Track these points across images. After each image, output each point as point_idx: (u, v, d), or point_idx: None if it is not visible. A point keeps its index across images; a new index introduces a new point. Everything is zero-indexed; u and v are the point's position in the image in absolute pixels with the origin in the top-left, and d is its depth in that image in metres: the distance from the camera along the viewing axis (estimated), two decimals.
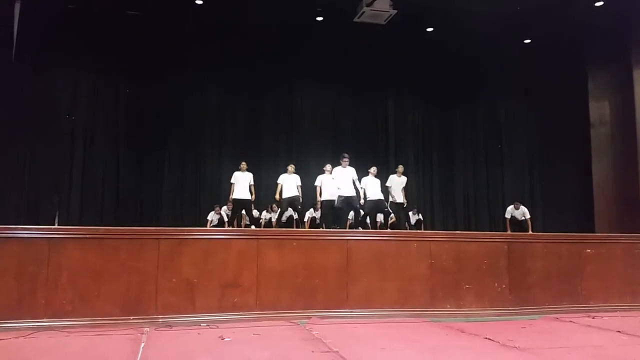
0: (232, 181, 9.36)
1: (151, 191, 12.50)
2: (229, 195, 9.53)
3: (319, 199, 9.28)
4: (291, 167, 9.49)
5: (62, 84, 12.07)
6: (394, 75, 14.14)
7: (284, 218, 11.05)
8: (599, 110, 12.61)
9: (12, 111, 11.12)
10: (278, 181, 9.40)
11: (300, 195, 9.37)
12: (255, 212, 10.59)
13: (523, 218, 10.91)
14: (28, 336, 4.69)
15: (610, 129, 12.39)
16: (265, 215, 11.73)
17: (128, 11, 11.75)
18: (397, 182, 9.76)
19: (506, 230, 10.78)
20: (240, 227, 10.35)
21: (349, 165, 8.77)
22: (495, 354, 4.30)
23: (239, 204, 9.47)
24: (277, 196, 9.42)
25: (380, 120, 14.37)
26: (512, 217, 11.02)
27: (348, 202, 8.62)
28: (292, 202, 9.39)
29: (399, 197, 9.74)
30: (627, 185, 11.63)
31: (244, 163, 9.49)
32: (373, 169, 9.23)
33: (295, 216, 10.17)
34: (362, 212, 9.07)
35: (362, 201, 8.91)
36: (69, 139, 11.95)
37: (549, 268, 6.91)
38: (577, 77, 13.08)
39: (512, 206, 11.12)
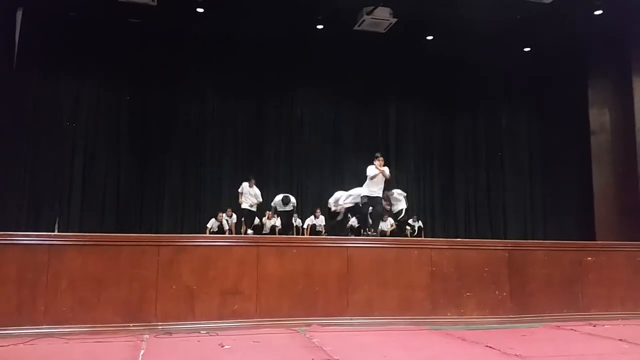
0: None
1: (152, 198, 12.50)
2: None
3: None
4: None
5: (64, 91, 12.10)
6: (395, 83, 14.17)
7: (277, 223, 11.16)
8: (599, 117, 12.62)
9: (14, 118, 11.18)
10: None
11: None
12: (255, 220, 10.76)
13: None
14: (27, 343, 4.67)
15: (611, 137, 12.40)
16: (266, 222, 11.69)
17: (130, 19, 11.81)
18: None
19: None
20: (240, 234, 10.36)
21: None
22: None
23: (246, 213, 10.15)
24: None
25: (381, 127, 14.38)
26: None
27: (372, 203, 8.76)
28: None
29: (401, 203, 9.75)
30: (628, 192, 11.62)
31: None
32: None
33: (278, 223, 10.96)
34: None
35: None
36: (70, 146, 11.96)
37: (550, 276, 6.88)
38: (578, 85, 13.09)
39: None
